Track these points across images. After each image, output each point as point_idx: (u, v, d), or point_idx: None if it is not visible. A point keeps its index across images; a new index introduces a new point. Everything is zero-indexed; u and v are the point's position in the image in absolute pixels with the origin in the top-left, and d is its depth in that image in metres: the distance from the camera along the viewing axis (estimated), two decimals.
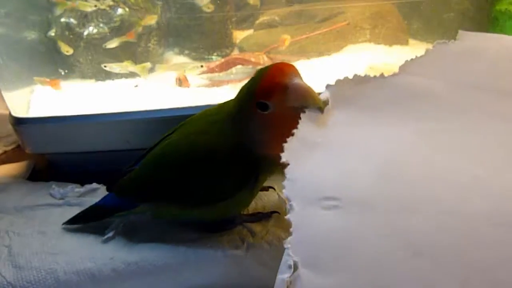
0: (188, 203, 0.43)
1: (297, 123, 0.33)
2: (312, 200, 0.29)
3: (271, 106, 0.36)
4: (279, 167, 0.39)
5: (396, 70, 0.66)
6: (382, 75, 0.37)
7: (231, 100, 0.42)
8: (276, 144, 0.33)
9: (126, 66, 0.70)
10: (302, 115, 0.34)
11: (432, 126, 0.35)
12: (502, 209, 0.29)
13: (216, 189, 0.41)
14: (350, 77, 0.36)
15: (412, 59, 0.38)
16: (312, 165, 0.31)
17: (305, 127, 0.33)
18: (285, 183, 0.30)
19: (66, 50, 0.71)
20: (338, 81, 0.36)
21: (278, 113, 0.36)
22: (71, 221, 0.49)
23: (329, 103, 0.35)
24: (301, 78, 0.36)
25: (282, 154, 0.31)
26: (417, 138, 0.34)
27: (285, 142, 0.32)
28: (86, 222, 0.49)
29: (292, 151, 0.31)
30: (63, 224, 0.49)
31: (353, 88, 0.36)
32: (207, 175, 0.41)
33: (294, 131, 0.32)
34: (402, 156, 0.33)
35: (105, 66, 0.70)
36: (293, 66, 0.36)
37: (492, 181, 0.31)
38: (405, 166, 0.32)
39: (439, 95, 0.37)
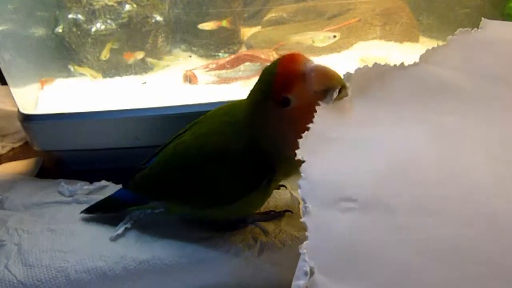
0: (199, 204, 0.43)
1: None
2: (328, 201, 0.28)
3: (292, 99, 0.34)
4: (296, 169, 0.38)
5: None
6: (402, 64, 0.36)
7: (244, 99, 0.41)
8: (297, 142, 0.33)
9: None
10: (317, 108, 0.32)
11: (454, 120, 0.33)
12: None
13: (228, 191, 0.40)
14: (370, 66, 0.35)
15: (433, 48, 0.36)
16: (328, 163, 0.30)
17: (321, 121, 0.31)
18: (300, 182, 0.28)
19: (94, 76, 0.70)
20: (357, 70, 0.34)
21: (300, 106, 0.34)
22: (88, 210, 0.50)
23: (348, 93, 0.33)
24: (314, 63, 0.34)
25: (297, 151, 0.29)
26: (438, 134, 0.32)
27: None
28: (102, 212, 0.49)
29: (307, 147, 0.30)
30: (81, 212, 0.50)
31: (373, 78, 0.34)
32: (219, 177, 0.40)
33: (310, 125, 0.31)
34: (422, 153, 0.31)
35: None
36: (301, 54, 0.35)
37: None
38: (425, 164, 0.30)
39: (461, 87, 0.35)
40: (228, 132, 0.40)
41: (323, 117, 0.32)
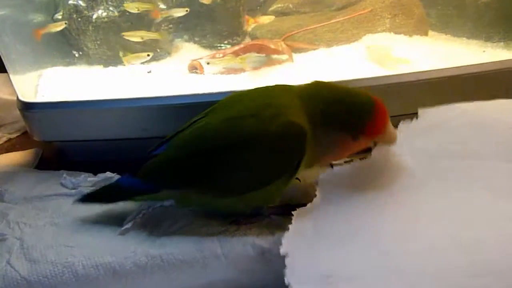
0: (220, 191, 0.41)
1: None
2: None
3: (362, 139, 0.40)
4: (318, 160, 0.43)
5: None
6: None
7: (293, 86, 0.43)
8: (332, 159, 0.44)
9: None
10: (294, 212, 0.40)
11: (411, 199, 0.39)
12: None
13: (257, 174, 0.40)
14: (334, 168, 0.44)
15: None
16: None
17: (299, 222, 0.39)
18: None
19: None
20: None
21: (357, 142, 0.40)
22: (84, 198, 0.46)
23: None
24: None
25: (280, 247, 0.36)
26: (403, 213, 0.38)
27: None
28: (100, 201, 0.46)
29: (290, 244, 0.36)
30: (73, 201, 0.46)
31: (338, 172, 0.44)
32: (250, 159, 0.39)
33: (289, 226, 0.38)
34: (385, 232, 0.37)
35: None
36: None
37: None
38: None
39: (413, 170, 0.42)
40: (266, 114, 0.40)
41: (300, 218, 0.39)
